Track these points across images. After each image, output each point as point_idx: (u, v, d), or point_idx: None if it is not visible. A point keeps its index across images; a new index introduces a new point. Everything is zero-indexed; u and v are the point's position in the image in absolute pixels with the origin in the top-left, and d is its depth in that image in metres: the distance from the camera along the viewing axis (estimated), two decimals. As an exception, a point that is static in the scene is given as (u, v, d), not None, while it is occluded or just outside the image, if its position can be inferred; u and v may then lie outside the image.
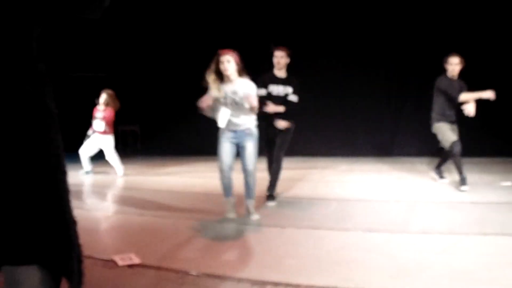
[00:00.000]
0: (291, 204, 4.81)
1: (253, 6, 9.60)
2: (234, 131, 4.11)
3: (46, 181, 1.34)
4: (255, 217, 4.13)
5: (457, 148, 5.13)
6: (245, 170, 4.16)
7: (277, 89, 4.90)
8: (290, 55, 4.94)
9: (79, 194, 5.79)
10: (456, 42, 6.08)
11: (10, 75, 1.27)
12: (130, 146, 11.49)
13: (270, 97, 4.83)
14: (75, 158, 7.20)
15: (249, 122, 4.14)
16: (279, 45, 4.94)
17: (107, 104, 7.24)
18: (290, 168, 7.88)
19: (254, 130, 4.18)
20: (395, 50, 9.04)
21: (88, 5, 1.42)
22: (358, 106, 9.56)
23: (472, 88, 5.28)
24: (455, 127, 5.42)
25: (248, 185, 4.19)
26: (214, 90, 4.02)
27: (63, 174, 1.43)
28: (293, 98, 4.90)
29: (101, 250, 3.19)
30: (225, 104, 4.05)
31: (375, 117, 9.50)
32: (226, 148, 4.13)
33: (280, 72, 4.95)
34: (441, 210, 4.31)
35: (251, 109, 4.01)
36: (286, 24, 9.44)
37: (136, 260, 2.93)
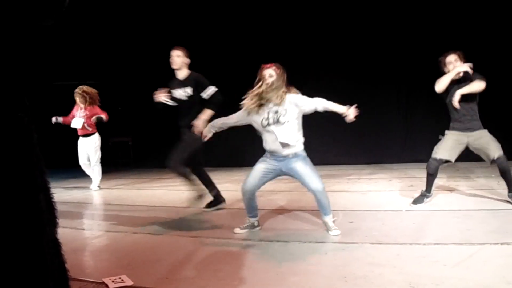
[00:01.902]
0: (294, 217, 4.81)
1: (265, 21, 9.74)
2: (278, 158, 4.00)
3: (23, 199, 1.34)
4: (334, 232, 3.96)
5: (431, 166, 4.84)
6: (312, 192, 3.98)
7: (178, 92, 4.98)
8: (188, 55, 5.04)
9: (66, 211, 5.79)
10: (467, 47, 6.06)
11: None
12: (121, 159, 11.50)
13: (176, 102, 5.03)
14: (60, 173, 7.24)
15: (297, 145, 3.98)
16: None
17: (88, 101, 7.21)
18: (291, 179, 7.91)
19: (302, 153, 4.03)
20: (406, 56, 9.10)
21: (45, 10, 1.42)
22: (367, 111, 9.55)
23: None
24: (472, 135, 4.76)
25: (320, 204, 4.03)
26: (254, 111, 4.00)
27: (42, 191, 1.43)
28: (207, 94, 4.95)
29: (91, 272, 3.20)
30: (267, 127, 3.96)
31: (385, 123, 9.52)
32: (259, 169, 4.07)
33: (179, 73, 5.01)
34: (456, 220, 4.30)
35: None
36: (296, 35, 9.62)
37: (128, 282, 2.93)
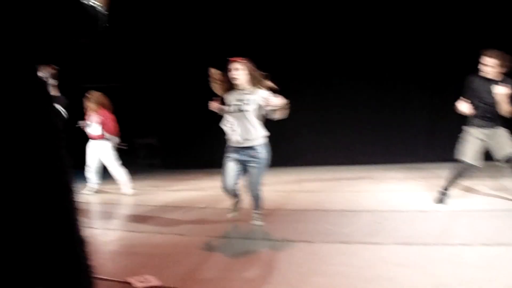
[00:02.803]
0: (319, 217, 4.77)
1: (286, 17, 9.73)
2: (239, 149, 4.20)
3: (52, 200, 1.38)
4: (257, 222, 4.41)
5: (464, 169, 4.85)
6: (248, 190, 4.38)
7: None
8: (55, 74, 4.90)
9: (91, 212, 5.88)
10: (497, 43, 5.92)
11: (14, 95, 1.33)
12: (145, 160, 11.61)
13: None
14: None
15: (257, 139, 4.17)
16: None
17: (99, 105, 7.14)
18: (321, 178, 7.88)
19: (262, 151, 4.18)
20: (430, 52, 8.97)
21: (83, 30, 1.47)
22: (392, 109, 9.48)
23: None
24: (492, 132, 4.77)
25: (253, 199, 4.41)
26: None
27: (70, 192, 1.46)
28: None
29: (116, 271, 3.23)
30: (230, 113, 4.18)
31: (410, 120, 9.40)
32: (230, 168, 4.27)
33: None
34: (484, 220, 4.21)
35: (276, 110, 4.05)
36: (319, 31, 9.58)
37: (154, 282, 2.95)
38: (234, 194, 4.49)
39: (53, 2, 1.39)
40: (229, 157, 4.27)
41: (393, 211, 4.86)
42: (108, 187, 7.60)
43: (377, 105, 9.52)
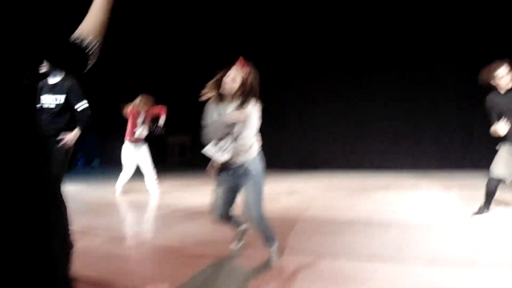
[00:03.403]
0: (343, 230, 4.62)
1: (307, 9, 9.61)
2: (229, 170, 3.42)
3: (26, 212, 1.32)
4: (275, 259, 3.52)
5: (489, 186, 4.71)
6: (248, 217, 3.47)
7: (47, 99, 4.24)
8: None
9: (112, 214, 5.92)
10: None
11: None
12: (179, 158, 11.66)
13: (42, 111, 4.21)
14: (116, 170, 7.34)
15: (248, 154, 3.38)
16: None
17: (145, 105, 7.16)
18: (349, 186, 7.72)
19: (256, 167, 3.39)
20: (464, 58, 8.70)
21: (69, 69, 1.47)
22: (426, 112, 9.25)
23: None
24: None
25: (259, 229, 3.49)
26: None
27: (48, 201, 1.41)
28: (81, 107, 4.30)
29: (134, 279, 3.21)
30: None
31: (445, 125, 9.15)
32: (221, 192, 3.48)
33: (53, 76, 4.28)
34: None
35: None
36: (351, 37, 9.46)
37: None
38: (231, 221, 3.67)
39: (41, 44, 1.40)
40: (218, 180, 3.50)
41: (423, 226, 4.67)
42: (137, 187, 7.67)
43: (411, 110, 9.32)
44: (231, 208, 3.55)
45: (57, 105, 4.22)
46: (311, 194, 6.98)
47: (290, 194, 7.10)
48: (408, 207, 5.65)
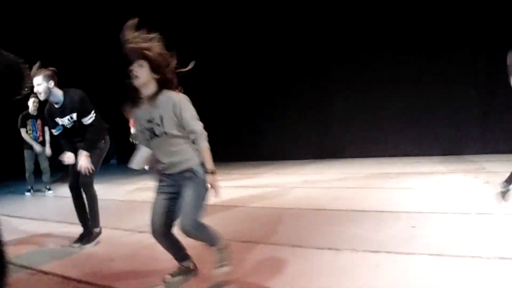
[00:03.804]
0: (351, 220, 4.52)
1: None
2: (168, 177, 2.88)
3: None
4: (221, 271, 2.91)
5: None
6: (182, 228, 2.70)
7: (62, 121, 4.34)
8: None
9: (121, 212, 5.93)
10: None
11: None
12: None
13: (65, 130, 4.40)
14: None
15: (189, 160, 2.81)
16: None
17: None
18: (365, 174, 7.61)
19: (198, 173, 2.79)
20: (484, 41, 8.49)
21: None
22: (442, 96, 9.07)
23: None
24: None
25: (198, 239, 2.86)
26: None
27: None
28: (88, 120, 4.33)
29: (139, 280, 3.20)
30: (145, 141, 2.96)
31: (462, 108, 8.95)
32: (159, 202, 2.88)
33: (54, 98, 4.28)
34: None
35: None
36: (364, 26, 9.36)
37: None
38: (169, 241, 2.96)
39: None
40: (157, 189, 2.94)
41: (434, 213, 4.53)
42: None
43: (427, 96, 9.15)
44: (170, 222, 2.87)
45: (74, 122, 4.34)
46: (324, 184, 6.91)
47: (302, 184, 7.05)
48: (422, 195, 5.51)
